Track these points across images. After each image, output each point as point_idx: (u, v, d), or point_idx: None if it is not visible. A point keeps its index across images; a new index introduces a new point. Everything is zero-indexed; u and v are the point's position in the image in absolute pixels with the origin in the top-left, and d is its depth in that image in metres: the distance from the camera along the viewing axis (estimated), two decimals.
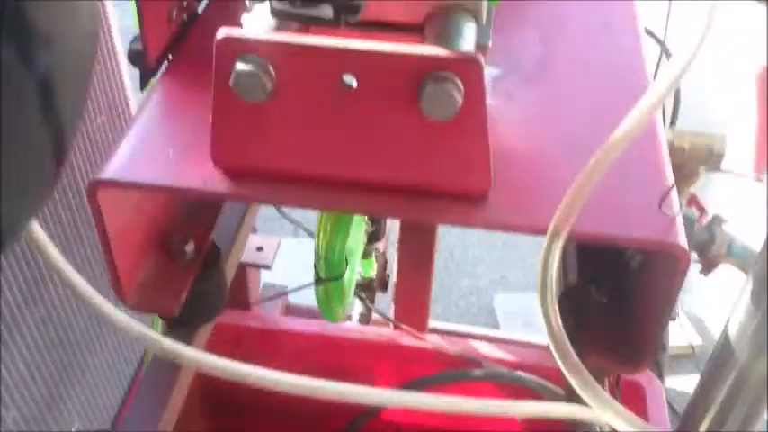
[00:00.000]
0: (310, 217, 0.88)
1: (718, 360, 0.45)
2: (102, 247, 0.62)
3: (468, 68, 0.47)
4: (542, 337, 1.29)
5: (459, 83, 0.47)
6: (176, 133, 0.64)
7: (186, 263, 0.71)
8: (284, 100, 0.52)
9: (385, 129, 0.52)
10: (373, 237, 1.24)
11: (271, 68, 0.51)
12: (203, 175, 0.59)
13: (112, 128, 1.10)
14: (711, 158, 0.67)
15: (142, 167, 0.60)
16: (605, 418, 0.46)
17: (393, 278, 1.43)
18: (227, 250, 0.76)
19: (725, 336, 0.44)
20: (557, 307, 0.48)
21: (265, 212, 1.02)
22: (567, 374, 0.48)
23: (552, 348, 0.48)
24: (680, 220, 0.51)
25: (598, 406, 0.46)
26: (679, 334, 1.81)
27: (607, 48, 0.74)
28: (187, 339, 0.72)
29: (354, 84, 0.51)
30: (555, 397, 1.17)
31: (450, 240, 2.36)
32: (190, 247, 0.71)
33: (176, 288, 0.68)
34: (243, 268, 1.34)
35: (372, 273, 1.38)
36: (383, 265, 1.48)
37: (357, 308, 1.54)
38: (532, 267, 2.31)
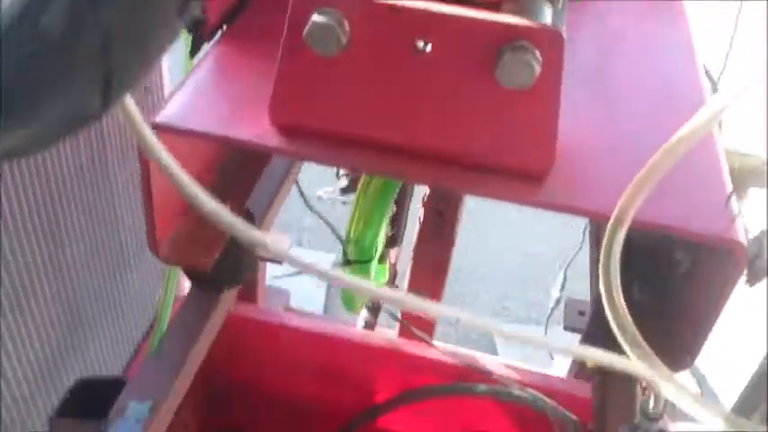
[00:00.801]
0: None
1: None
2: (143, 195, 0.61)
3: (550, 40, 0.47)
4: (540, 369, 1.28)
5: (538, 54, 0.47)
6: (231, 89, 0.64)
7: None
8: (355, 57, 0.52)
9: (456, 96, 0.51)
10: (391, 241, 1.23)
11: (346, 23, 0.51)
12: (257, 130, 0.58)
13: (147, 106, 1.10)
14: (760, 178, 0.67)
15: (196, 116, 0.60)
16: (664, 389, 0.45)
17: (402, 288, 1.42)
18: (261, 217, 0.75)
19: None
20: (620, 291, 0.47)
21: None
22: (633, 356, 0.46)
23: (616, 329, 0.47)
24: (741, 221, 0.51)
25: (659, 378, 0.45)
26: None
27: (664, 67, 0.74)
28: (213, 300, 0.71)
29: (429, 48, 0.51)
30: (565, 420, 1.15)
31: (453, 267, 2.36)
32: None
33: (209, 246, 0.67)
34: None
35: (384, 280, 1.37)
36: (393, 277, 1.47)
37: (362, 315, 1.53)
38: (534, 300, 2.31)
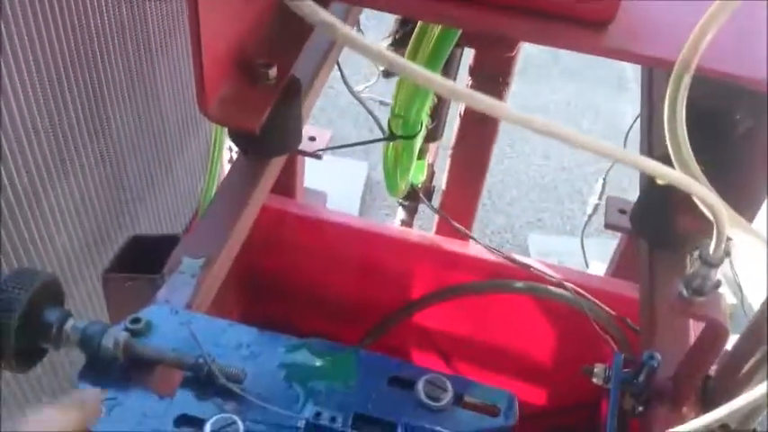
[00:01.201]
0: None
1: None
2: (192, 50, 0.60)
3: None
4: None
5: None
6: None
7: (268, 87, 0.69)
8: None
9: None
10: (431, 135, 1.21)
11: None
12: None
13: None
14: None
15: None
16: (729, 226, 0.43)
17: (440, 188, 1.41)
18: (307, 85, 0.74)
19: None
20: (686, 137, 0.46)
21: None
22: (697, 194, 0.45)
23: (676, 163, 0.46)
24: None
25: (700, 194, 0.43)
26: None
27: None
28: (259, 170, 0.71)
29: None
30: (602, 316, 1.16)
31: (489, 180, 2.35)
32: (273, 72, 0.69)
33: (258, 108, 0.67)
34: (292, 156, 1.32)
35: (422, 178, 1.36)
36: (431, 176, 1.46)
37: (398, 214, 1.53)
38: (569, 213, 2.29)
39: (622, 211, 1.27)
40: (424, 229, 1.73)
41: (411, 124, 0.78)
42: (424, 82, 0.32)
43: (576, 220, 2.21)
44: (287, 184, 1.35)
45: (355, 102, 1.13)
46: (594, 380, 0.56)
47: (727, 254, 0.47)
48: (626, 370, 0.56)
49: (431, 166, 1.43)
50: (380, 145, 1.12)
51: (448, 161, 1.37)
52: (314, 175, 1.52)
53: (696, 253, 0.68)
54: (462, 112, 1.25)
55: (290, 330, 1.47)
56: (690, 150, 0.46)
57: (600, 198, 1.74)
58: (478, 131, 1.26)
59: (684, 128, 0.47)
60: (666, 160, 0.55)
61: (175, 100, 1.09)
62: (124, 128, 0.96)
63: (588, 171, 2.41)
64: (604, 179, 1.61)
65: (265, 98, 0.67)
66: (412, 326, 1.38)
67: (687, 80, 0.48)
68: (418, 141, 0.86)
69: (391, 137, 0.80)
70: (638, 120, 1.27)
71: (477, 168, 1.33)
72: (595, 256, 1.91)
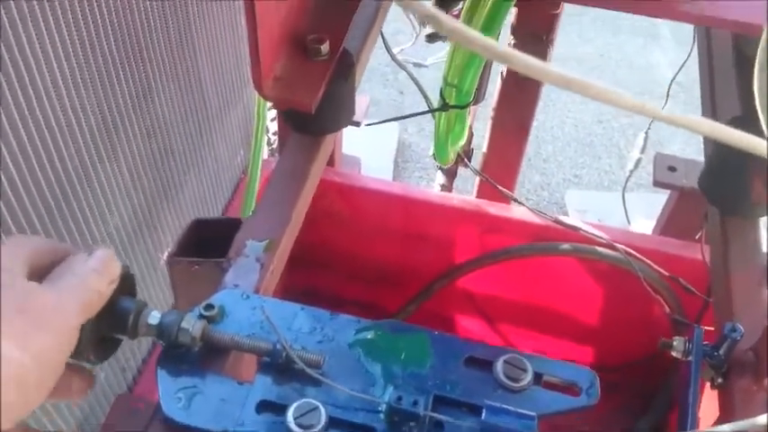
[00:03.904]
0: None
1: None
2: (248, 35, 0.59)
3: None
4: None
5: None
6: None
7: (321, 63, 0.67)
8: None
9: None
10: (473, 98, 1.19)
11: None
12: None
13: None
14: None
15: None
16: None
17: (480, 151, 1.38)
18: (357, 58, 0.72)
19: None
20: None
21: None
22: None
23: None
24: None
25: None
26: None
27: None
28: (314, 148, 0.70)
29: None
30: (652, 276, 1.14)
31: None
32: (325, 47, 0.68)
33: (312, 85, 0.65)
34: None
35: (463, 140, 1.34)
36: (470, 139, 1.43)
37: (438, 179, 1.51)
38: (607, 168, 2.25)
39: (672, 168, 1.24)
40: (463, 192, 1.71)
41: (465, 93, 0.76)
42: (487, 52, 0.30)
43: (614, 175, 2.17)
44: None
45: (384, 63, 1.11)
46: (674, 353, 0.55)
47: None
48: (706, 342, 0.55)
49: (469, 128, 1.40)
50: (412, 108, 1.10)
51: (489, 122, 1.34)
52: (346, 140, 1.51)
53: None
54: (504, 74, 1.22)
55: (333, 299, 1.48)
56: None
57: (642, 152, 1.70)
58: (521, 93, 1.23)
59: None
60: (738, 125, 0.53)
61: (215, 74, 1.08)
62: (168, 103, 0.95)
63: (624, 123, 2.36)
64: (646, 133, 1.57)
65: (319, 74, 0.66)
66: (455, 291, 1.38)
67: None
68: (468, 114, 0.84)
69: (444, 106, 0.78)
70: (678, 74, 1.23)
71: (519, 130, 1.31)
72: (637, 212, 1.88)
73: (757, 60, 0.46)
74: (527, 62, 0.35)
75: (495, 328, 1.45)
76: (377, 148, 2.14)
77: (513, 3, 0.77)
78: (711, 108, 0.73)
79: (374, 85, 2.42)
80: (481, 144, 1.38)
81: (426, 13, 0.34)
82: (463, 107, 0.79)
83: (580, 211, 2.01)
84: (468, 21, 0.73)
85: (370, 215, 1.34)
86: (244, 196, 1.00)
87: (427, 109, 0.95)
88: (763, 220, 0.65)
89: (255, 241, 0.61)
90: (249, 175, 0.92)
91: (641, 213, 1.83)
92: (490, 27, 0.72)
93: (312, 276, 1.44)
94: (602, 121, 2.36)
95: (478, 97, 1.23)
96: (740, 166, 0.62)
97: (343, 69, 0.69)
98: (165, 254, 0.94)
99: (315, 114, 0.66)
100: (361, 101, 1.35)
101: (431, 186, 1.63)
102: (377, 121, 1.22)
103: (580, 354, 1.41)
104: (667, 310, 1.10)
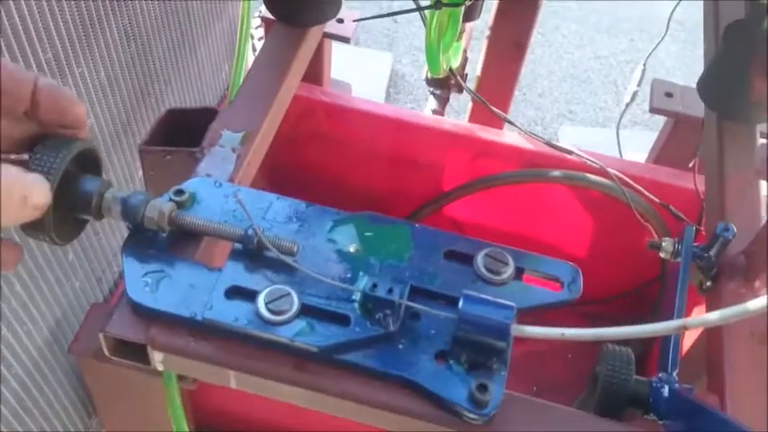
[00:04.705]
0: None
1: None
2: None
3: None
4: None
5: None
6: None
7: None
8: None
9: None
10: (468, 14, 1.14)
11: None
12: None
13: None
14: None
15: None
16: None
17: (473, 77, 1.34)
18: None
19: None
20: None
21: None
22: None
23: None
24: None
25: None
26: None
27: None
28: (297, 40, 0.66)
29: None
30: (642, 205, 1.12)
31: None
32: None
33: None
34: (320, 40, 1.25)
35: (456, 63, 1.30)
36: (464, 63, 1.39)
37: (430, 103, 1.48)
38: (603, 104, 2.21)
39: (668, 95, 1.21)
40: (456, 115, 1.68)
41: None
42: None
43: (610, 112, 2.13)
44: (314, 71, 1.29)
45: None
46: (662, 254, 0.53)
47: None
48: (696, 244, 0.53)
49: (464, 51, 1.36)
50: (406, 37, 1.06)
51: (484, 43, 1.30)
52: (338, 64, 1.46)
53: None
54: None
55: None
56: None
57: (639, 84, 1.67)
58: (518, 10, 1.18)
59: None
60: (739, 28, 0.50)
61: None
62: (148, 5, 0.90)
63: (623, 60, 2.31)
64: (644, 65, 1.53)
65: None
66: (444, 218, 1.36)
67: None
68: (458, 27, 0.79)
69: (438, 4, 0.74)
70: (680, 14, 1.18)
71: (515, 50, 1.26)
72: (630, 148, 1.85)
73: None
74: None
75: None
76: (369, 75, 2.09)
77: None
78: (714, 12, 0.69)
79: (367, 12, 2.34)
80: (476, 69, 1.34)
81: None
82: (457, 5, 0.75)
83: (574, 146, 1.98)
84: None
85: (359, 138, 1.31)
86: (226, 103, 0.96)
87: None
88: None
89: (231, 132, 0.58)
90: (231, 85, 0.88)
91: (635, 150, 1.81)
92: None
93: (300, 199, 1.41)
94: (600, 57, 2.31)
95: (474, 13, 1.19)
96: (740, 67, 0.59)
97: None
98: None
99: (298, 2, 0.62)
100: (351, 16, 1.30)
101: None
102: (368, 17, 1.17)
103: None
104: (656, 239, 1.08)
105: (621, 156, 1.68)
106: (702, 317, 0.38)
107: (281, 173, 1.36)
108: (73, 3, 0.75)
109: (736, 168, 0.58)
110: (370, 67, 2.15)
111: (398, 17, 2.65)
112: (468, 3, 1.08)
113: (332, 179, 1.39)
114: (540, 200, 1.30)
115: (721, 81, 0.63)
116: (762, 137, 0.63)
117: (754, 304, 0.36)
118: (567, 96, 2.17)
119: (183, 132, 0.60)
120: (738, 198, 0.56)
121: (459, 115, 1.91)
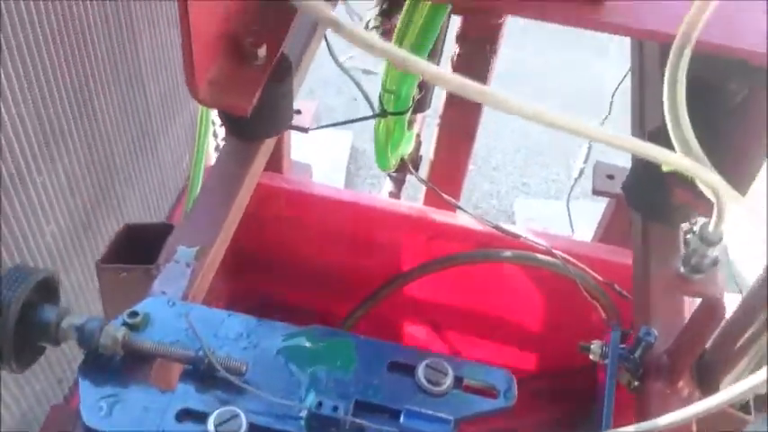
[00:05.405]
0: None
1: None
2: (182, 35, 0.59)
3: None
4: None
5: None
6: None
7: (258, 67, 0.68)
8: None
9: None
10: (419, 106, 1.20)
11: None
12: None
13: None
14: None
15: None
16: (729, 204, 0.44)
17: (427, 158, 1.40)
18: (297, 62, 0.72)
19: None
20: (685, 112, 0.45)
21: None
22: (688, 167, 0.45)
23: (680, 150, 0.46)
24: None
25: (703, 177, 0.43)
26: None
27: None
28: (251, 153, 0.70)
29: None
30: (589, 283, 1.17)
31: (475, 145, 2.35)
32: (262, 52, 0.68)
33: (248, 89, 0.65)
34: None
35: (410, 149, 1.35)
36: (417, 147, 1.45)
37: (386, 186, 1.53)
38: (555, 176, 2.30)
39: (610, 177, 1.27)
40: (412, 198, 1.73)
41: (403, 99, 0.78)
42: (414, 69, 0.32)
43: (562, 184, 2.22)
44: (274, 158, 1.33)
45: (337, 70, 1.11)
46: (591, 357, 0.57)
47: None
48: (622, 346, 0.57)
49: (417, 136, 1.42)
50: (365, 114, 1.11)
51: (435, 130, 1.36)
52: (298, 146, 1.51)
53: (689, 226, 0.69)
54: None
55: (282, 305, 1.47)
56: (690, 128, 0.46)
57: (585, 161, 1.75)
58: (466, 99, 1.24)
59: (684, 105, 0.46)
60: (661, 134, 0.55)
61: (159, 81, 1.07)
62: (109, 110, 0.94)
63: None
64: (590, 143, 1.61)
65: (255, 79, 0.66)
66: (402, 297, 1.39)
67: (687, 54, 0.47)
68: (405, 122, 0.85)
69: (383, 113, 0.79)
70: (623, 84, 1.27)
71: (465, 136, 1.33)
72: (582, 220, 1.92)
73: (667, 71, 0.47)
74: (452, 81, 0.36)
75: (441, 335, 1.47)
76: (329, 154, 2.14)
77: (447, 14, 0.79)
78: (640, 118, 0.75)
79: (329, 91, 2.42)
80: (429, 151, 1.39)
81: (359, 37, 0.35)
82: (401, 113, 0.80)
83: (528, 220, 2.05)
84: (405, 30, 0.74)
85: (319, 222, 1.35)
86: (185, 203, 0.99)
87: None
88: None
89: (186, 247, 0.61)
90: (191, 182, 0.92)
91: (585, 221, 1.87)
92: (424, 39, 0.73)
93: (261, 282, 1.44)
94: (551, 129, 2.40)
95: (424, 105, 1.25)
96: (661, 173, 0.65)
97: (281, 74, 0.69)
98: None
99: (250, 119, 0.66)
100: (309, 106, 1.35)
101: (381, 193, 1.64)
102: (324, 125, 1.23)
103: (524, 360, 1.43)
104: (603, 315, 1.13)
105: (573, 229, 1.74)
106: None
107: (244, 255, 1.38)
108: (34, 112, 0.78)
109: (661, 269, 0.62)
110: (331, 146, 2.21)
111: (359, 95, 2.74)
112: (417, 97, 1.14)
113: (294, 261, 1.41)
114: (495, 279, 1.34)
115: (645, 185, 0.68)
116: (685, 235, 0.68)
117: (664, 420, 0.40)
118: (520, 169, 2.25)
119: (142, 247, 0.63)
120: (663, 298, 0.60)
121: (418, 192, 1.96)
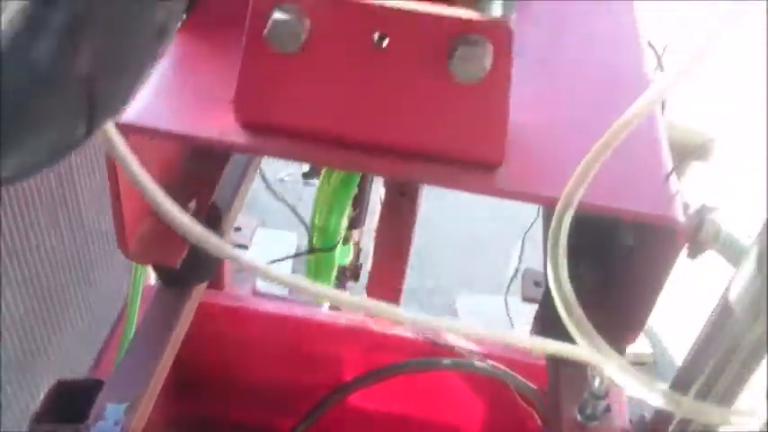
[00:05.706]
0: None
1: (715, 324, 0.48)
2: (111, 195, 0.62)
3: (499, 33, 0.50)
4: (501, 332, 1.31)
5: (490, 47, 0.50)
6: (192, 84, 0.65)
7: None
8: (315, 53, 0.54)
9: (412, 90, 0.54)
10: (354, 222, 1.25)
11: (306, 20, 0.52)
12: (220, 126, 0.59)
13: None
14: (701, 153, 0.71)
15: (159, 114, 0.60)
16: (611, 371, 0.48)
17: (366, 268, 1.44)
18: (227, 210, 0.76)
19: (724, 300, 0.47)
20: (566, 274, 0.50)
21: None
22: (578, 337, 0.50)
23: (563, 313, 0.50)
24: (679, 199, 0.54)
25: (607, 362, 0.48)
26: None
27: (610, 56, 0.76)
28: (183, 296, 0.73)
29: (385, 44, 0.53)
30: (525, 389, 1.20)
31: (417, 241, 2.39)
32: (191, 206, 0.71)
33: (177, 244, 0.68)
34: None
35: (348, 260, 1.39)
36: (357, 255, 1.49)
37: None
38: (497, 270, 2.36)
39: (537, 284, 1.33)
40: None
41: (330, 236, 0.82)
42: (324, 298, 0.36)
43: (504, 278, 2.28)
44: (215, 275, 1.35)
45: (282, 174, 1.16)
46: None
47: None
48: None
49: (357, 245, 1.47)
50: (309, 216, 1.15)
51: (372, 242, 1.41)
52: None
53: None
54: (383, 197, 1.30)
55: (225, 422, 1.45)
56: (571, 290, 0.51)
57: (520, 261, 1.81)
58: (398, 215, 1.30)
59: (566, 267, 0.51)
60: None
61: (97, 219, 1.09)
62: (49, 254, 0.95)
63: (515, 227, 2.50)
64: (522, 243, 1.68)
65: None
66: (345, 408, 1.39)
67: (568, 219, 0.53)
68: (338, 248, 0.89)
69: (311, 250, 0.83)
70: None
71: (401, 246, 1.38)
72: (522, 316, 1.97)
73: (549, 236, 0.53)
74: (350, 301, 0.41)
75: None
76: (274, 256, 2.16)
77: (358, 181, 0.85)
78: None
79: (269, 196, 2.46)
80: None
81: (268, 274, 0.39)
82: (329, 250, 0.84)
83: (470, 315, 2.09)
84: (328, 180, 0.79)
85: (260, 337, 1.36)
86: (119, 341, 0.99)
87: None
88: None
89: (115, 404, 0.62)
90: (124, 328, 0.92)
91: (526, 318, 1.93)
92: (346, 186, 0.78)
93: (204, 400, 1.42)
94: (496, 218, 2.46)
95: (359, 222, 1.31)
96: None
97: (210, 225, 0.73)
98: None
99: (181, 269, 0.69)
100: (250, 223, 1.39)
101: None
102: (276, 259, 1.26)
103: None
104: (539, 422, 1.16)
105: (513, 325, 1.79)
106: None
107: (184, 372, 1.37)
108: None
109: (569, 411, 0.65)
110: (276, 248, 2.24)
111: (302, 195, 2.79)
112: (352, 215, 1.20)
113: (237, 377, 1.41)
114: (436, 385, 1.36)
115: (547, 320, 0.73)
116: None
117: None
118: (462, 265, 2.31)
119: (74, 403, 0.64)
120: None
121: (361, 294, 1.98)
